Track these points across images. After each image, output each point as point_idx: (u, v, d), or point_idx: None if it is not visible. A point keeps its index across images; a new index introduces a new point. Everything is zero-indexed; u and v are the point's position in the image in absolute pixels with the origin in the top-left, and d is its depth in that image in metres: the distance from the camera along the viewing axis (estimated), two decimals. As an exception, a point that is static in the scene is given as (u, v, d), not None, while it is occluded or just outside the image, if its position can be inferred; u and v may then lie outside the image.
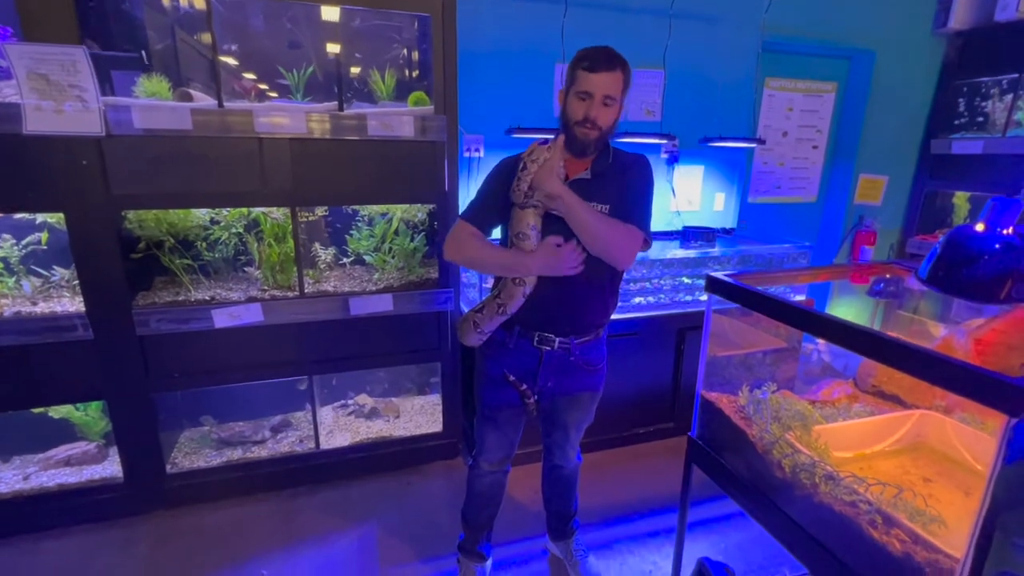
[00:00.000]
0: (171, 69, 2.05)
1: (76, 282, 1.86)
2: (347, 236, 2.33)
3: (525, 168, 1.36)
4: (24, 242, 1.91)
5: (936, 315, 1.81)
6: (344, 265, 2.39)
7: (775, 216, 3.55)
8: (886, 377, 1.53)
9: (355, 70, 2.28)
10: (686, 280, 2.73)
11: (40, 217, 1.90)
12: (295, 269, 2.09)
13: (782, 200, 3.54)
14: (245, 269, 2.22)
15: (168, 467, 2.15)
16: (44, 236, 1.91)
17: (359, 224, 2.32)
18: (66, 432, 2.18)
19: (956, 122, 3.33)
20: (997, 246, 1.01)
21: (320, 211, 2.27)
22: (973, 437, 1.28)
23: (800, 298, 2.79)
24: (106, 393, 1.97)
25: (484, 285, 2.32)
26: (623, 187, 1.43)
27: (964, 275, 1.03)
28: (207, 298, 2.01)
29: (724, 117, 3.05)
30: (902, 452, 1.35)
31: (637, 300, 2.59)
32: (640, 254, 1.48)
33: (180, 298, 2.00)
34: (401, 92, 2.20)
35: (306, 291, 2.10)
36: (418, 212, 2.34)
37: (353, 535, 2.06)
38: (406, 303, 2.20)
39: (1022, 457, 0.78)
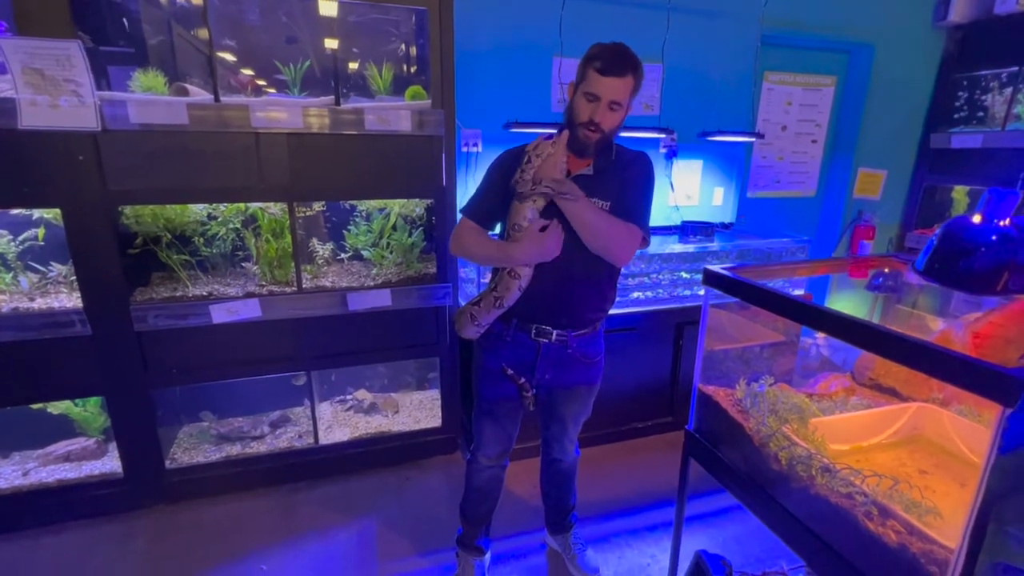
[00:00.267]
0: (167, 64, 2.05)
1: (73, 278, 1.86)
2: (345, 231, 2.32)
3: (530, 161, 1.36)
4: (21, 238, 1.91)
5: (935, 309, 1.81)
6: (342, 260, 2.39)
7: (774, 211, 3.55)
8: (883, 370, 1.54)
9: (353, 65, 2.27)
10: (684, 275, 2.73)
11: (37, 213, 1.90)
12: (293, 264, 2.09)
13: (781, 194, 3.54)
14: (243, 265, 2.22)
15: (167, 462, 2.16)
16: (41, 232, 1.91)
17: (357, 219, 2.32)
18: (65, 428, 2.18)
19: (956, 116, 3.32)
20: (994, 237, 1.00)
21: (318, 206, 2.27)
22: (970, 429, 1.28)
23: (799, 292, 2.79)
24: (104, 389, 1.97)
25: (482, 280, 2.32)
26: (624, 184, 1.43)
27: (960, 267, 1.03)
28: (205, 294, 2.01)
29: (723, 111, 3.04)
30: (899, 445, 1.35)
31: (635, 295, 2.59)
32: (638, 250, 1.49)
33: (178, 294, 2.00)
34: (398, 87, 2.20)
35: (304, 286, 2.10)
36: (416, 207, 2.34)
37: (352, 529, 2.06)
38: (404, 298, 2.20)
39: (1017, 447, 0.79)
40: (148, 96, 1.81)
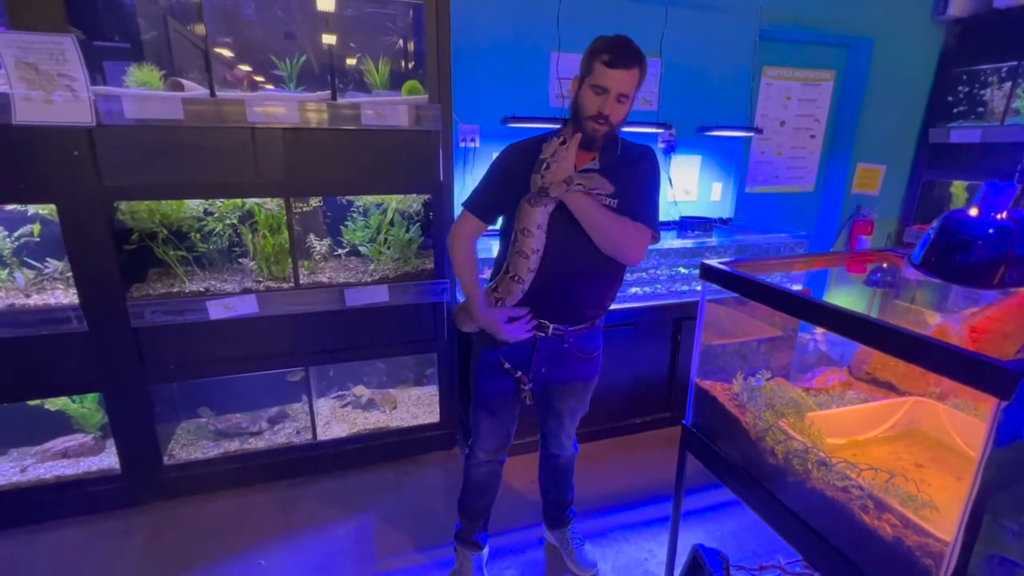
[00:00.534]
0: (163, 59, 2.03)
1: (69, 274, 1.85)
2: (342, 227, 2.32)
3: (548, 167, 1.34)
4: (16, 234, 1.90)
5: (932, 304, 1.81)
6: (339, 256, 2.39)
7: (772, 206, 3.54)
8: (880, 364, 1.54)
9: (351, 61, 2.26)
10: (683, 270, 2.73)
11: (32, 209, 1.89)
12: (290, 260, 2.09)
13: (779, 190, 3.53)
14: (240, 260, 2.22)
15: (165, 458, 2.16)
16: (36, 228, 1.91)
17: (354, 215, 2.31)
18: (63, 424, 2.18)
19: (955, 110, 3.31)
20: (991, 231, 1.00)
21: (315, 202, 2.26)
22: (966, 423, 1.28)
23: (797, 288, 2.79)
24: (102, 385, 1.97)
25: (481, 276, 2.32)
26: (631, 181, 1.42)
27: (957, 260, 1.03)
28: (202, 290, 2.01)
29: (721, 106, 3.03)
30: (895, 438, 1.36)
31: (634, 290, 2.59)
32: (649, 246, 1.49)
33: (175, 290, 2.00)
34: (395, 82, 2.19)
35: (301, 282, 2.10)
36: (413, 203, 2.33)
37: (350, 525, 2.07)
38: (402, 294, 2.19)
39: (1012, 440, 0.79)
40: (143, 91, 1.80)
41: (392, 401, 2.61)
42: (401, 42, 2.34)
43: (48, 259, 1.98)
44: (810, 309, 1.13)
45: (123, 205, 1.91)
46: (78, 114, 1.65)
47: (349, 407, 2.57)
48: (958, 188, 3.43)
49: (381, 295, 2.16)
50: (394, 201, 2.29)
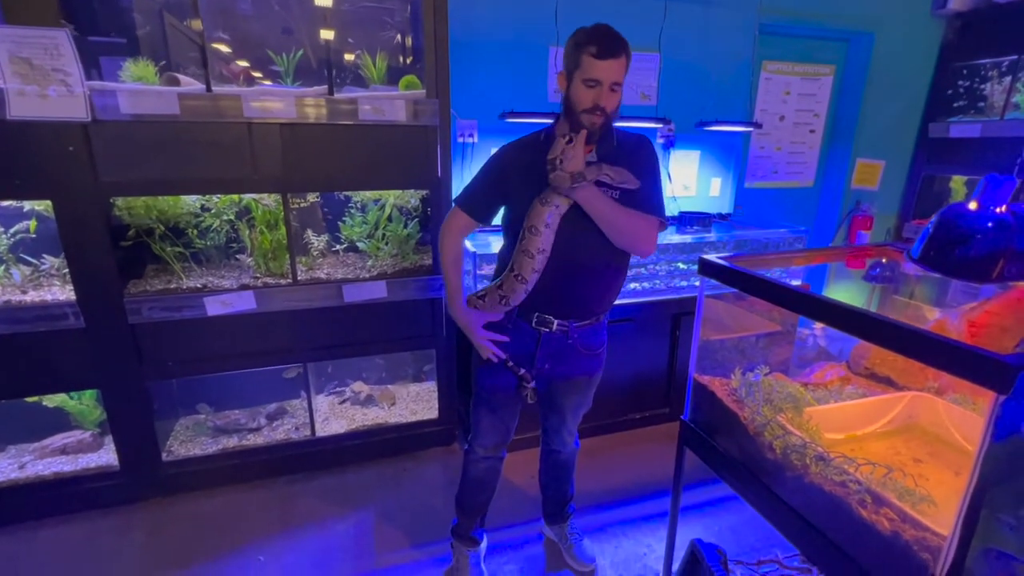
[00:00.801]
0: (158, 54, 2.02)
1: (66, 270, 1.84)
2: (340, 223, 2.31)
3: (562, 166, 1.33)
4: (12, 230, 1.90)
5: (931, 299, 1.81)
6: (337, 252, 2.38)
7: (772, 201, 3.53)
8: (879, 359, 1.53)
9: (349, 57, 2.25)
10: (682, 266, 2.73)
11: (27, 205, 1.88)
12: (287, 256, 2.08)
13: (779, 185, 3.53)
14: (237, 257, 2.21)
15: (164, 455, 2.16)
16: (32, 224, 1.90)
17: (352, 211, 2.30)
18: (61, 421, 2.18)
19: (955, 105, 3.30)
20: (990, 224, 1.00)
21: (312, 197, 2.25)
22: (964, 417, 1.28)
23: (796, 283, 2.79)
24: (100, 382, 1.97)
25: (478, 272, 2.31)
26: (632, 171, 1.41)
27: (956, 254, 1.02)
28: (199, 286, 2.00)
29: (720, 101, 3.02)
30: (894, 433, 1.35)
31: (633, 286, 2.59)
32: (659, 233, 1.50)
33: (172, 286, 1.99)
34: (393, 77, 2.18)
35: (299, 278, 2.09)
36: (411, 198, 2.32)
37: (349, 521, 2.07)
38: (400, 290, 2.19)
39: (1010, 434, 0.78)
40: (138, 86, 1.79)
41: (391, 397, 2.61)
42: (399, 37, 2.33)
43: (45, 255, 1.97)
44: (809, 304, 1.12)
45: (119, 201, 1.90)
46: (73, 109, 1.64)
47: (348, 403, 2.57)
48: (958, 183, 3.43)
49: (379, 291, 2.15)
50: (392, 197, 2.28)
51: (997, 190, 1.01)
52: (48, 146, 1.68)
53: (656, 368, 2.65)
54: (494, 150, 1.53)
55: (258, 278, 2.09)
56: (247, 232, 2.13)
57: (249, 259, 2.17)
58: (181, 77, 1.87)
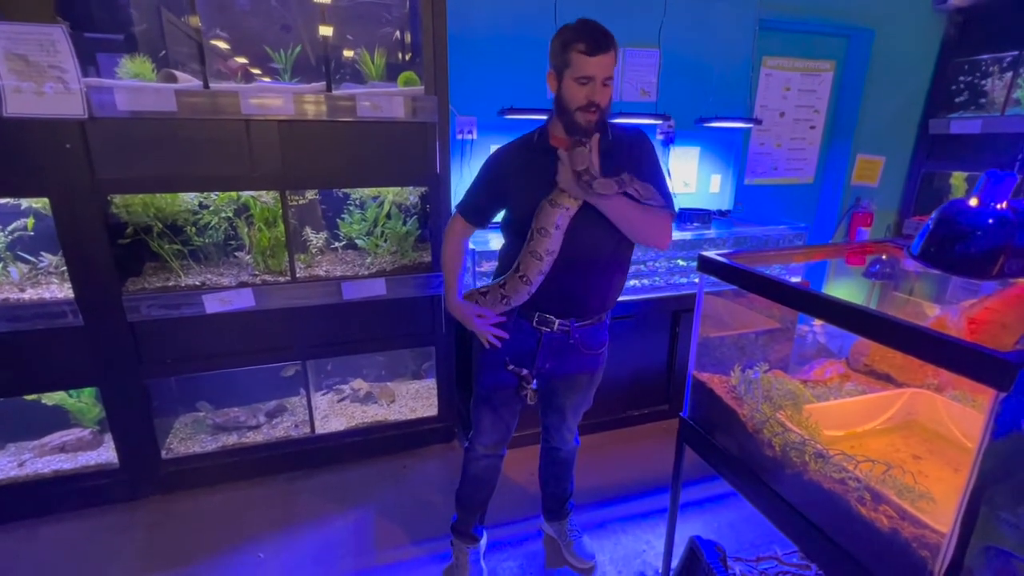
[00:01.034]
0: (156, 50, 2.01)
1: (64, 268, 1.84)
2: (338, 220, 2.30)
3: (589, 177, 1.31)
4: (10, 228, 1.89)
5: (931, 295, 1.81)
6: (336, 249, 2.37)
7: (771, 198, 3.53)
8: (878, 356, 1.53)
9: (348, 54, 2.23)
10: (681, 262, 2.72)
11: (25, 202, 1.87)
12: (286, 254, 2.08)
13: (779, 181, 3.52)
14: (236, 254, 2.20)
15: (163, 452, 2.16)
16: (30, 222, 1.89)
17: (350, 208, 2.30)
18: (60, 419, 2.18)
19: (956, 100, 3.29)
20: (990, 221, 0.99)
21: (310, 194, 2.25)
22: (964, 414, 1.28)
23: (796, 280, 2.78)
24: (98, 380, 1.97)
25: (477, 269, 2.31)
26: (635, 167, 1.41)
27: (956, 251, 1.02)
28: (198, 283, 2.00)
29: (720, 97, 3.01)
30: (893, 430, 1.35)
31: (632, 283, 2.58)
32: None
33: (170, 284, 1.99)
34: (391, 73, 2.17)
35: (298, 276, 2.09)
36: (410, 195, 2.32)
37: (349, 518, 2.07)
38: (399, 287, 2.18)
39: (1010, 431, 0.78)
40: (135, 83, 1.78)
41: (390, 394, 2.60)
42: (397, 33, 2.31)
43: (43, 253, 1.97)
44: (808, 301, 1.12)
45: (117, 199, 1.90)
46: (69, 106, 1.63)
47: (347, 400, 2.57)
48: (958, 179, 3.42)
49: (378, 288, 2.15)
50: (391, 194, 2.28)
51: (998, 186, 1.00)
52: (45, 143, 1.67)
53: (655, 365, 2.65)
54: (494, 147, 1.52)
55: (257, 276, 2.09)
56: (245, 230, 2.12)
57: (248, 257, 2.17)
58: (178, 74, 1.86)
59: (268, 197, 2.07)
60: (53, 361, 1.89)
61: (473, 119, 2.57)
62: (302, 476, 2.30)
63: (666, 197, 1.44)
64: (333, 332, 2.19)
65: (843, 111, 3.46)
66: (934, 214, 1.09)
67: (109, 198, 1.87)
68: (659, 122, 2.80)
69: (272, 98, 1.84)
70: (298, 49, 2.06)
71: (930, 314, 1.70)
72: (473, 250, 2.27)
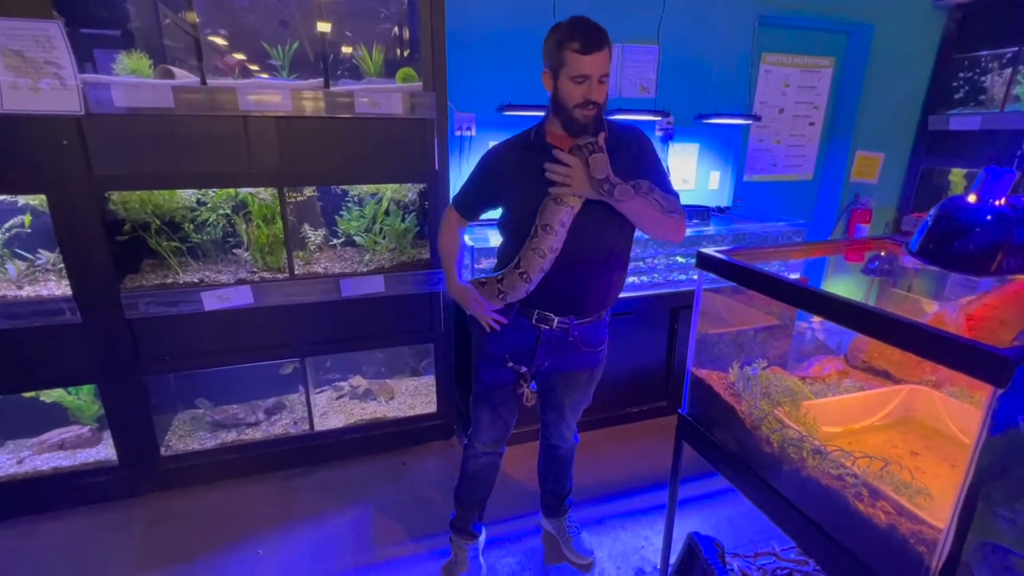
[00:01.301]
0: (153, 46, 2.00)
1: (62, 265, 1.83)
2: (337, 217, 2.30)
3: (610, 185, 1.33)
4: (7, 225, 1.88)
5: (930, 292, 1.81)
6: (334, 246, 2.37)
7: (770, 194, 3.52)
8: (876, 353, 1.53)
9: (347, 50, 2.22)
10: (680, 259, 2.72)
11: (22, 199, 1.87)
12: (284, 250, 2.07)
13: (778, 178, 3.51)
14: (234, 251, 2.20)
15: (162, 449, 2.16)
16: (27, 219, 1.89)
17: (349, 205, 2.29)
18: (59, 416, 2.18)
19: (956, 96, 3.29)
20: (989, 217, 0.99)
21: (309, 191, 2.24)
22: (961, 410, 1.28)
23: (795, 276, 2.78)
24: (97, 377, 1.96)
25: (476, 266, 2.31)
26: (636, 166, 1.41)
27: (955, 247, 1.02)
28: (196, 281, 1.99)
29: (719, 94, 3.00)
30: (890, 426, 1.36)
31: (631, 279, 2.58)
32: (636, 233, 1.53)
33: (168, 281, 1.98)
34: (390, 69, 2.16)
35: (296, 273, 2.08)
36: (409, 192, 2.31)
37: (348, 515, 2.07)
38: (398, 284, 2.18)
39: (1007, 428, 0.78)
40: (132, 79, 1.77)
41: (389, 391, 2.61)
42: (396, 29, 2.31)
43: (40, 250, 1.96)
44: (807, 298, 1.12)
45: (115, 195, 1.89)
46: (66, 102, 1.63)
47: (346, 397, 2.57)
48: (957, 176, 3.41)
49: (377, 285, 2.15)
50: (389, 190, 2.27)
51: (997, 183, 1.00)
52: (41, 140, 1.67)
53: (654, 362, 2.65)
54: (492, 143, 1.52)
55: (255, 272, 2.09)
56: (243, 226, 2.12)
57: (246, 253, 2.16)
58: (175, 70, 1.85)
59: (266, 194, 2.07)
60: (51, 358, 1.88)
61: (472, 115, 2.56)
62: (301, 473, 2.30)
63: (672, 194, 1.44)
64: (332, 329, 2.19)
65: (842, 107, 3.45)
66: (933, 210, 1.08)
67: (107, 195, 1.86)
68: (658, 118, 2.79)
69: (270, 94, 1.83)
70: (296, 45, 2.05)
71: (928, 311, 1.70)
72: (472, 247, 2.27)
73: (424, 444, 2.50)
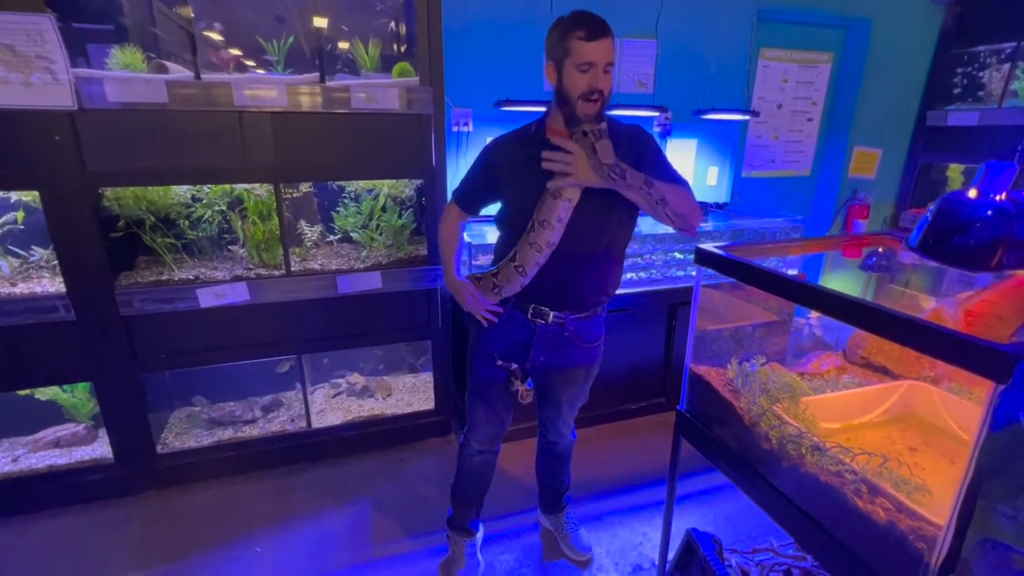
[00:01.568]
0: (147, 41, 1.98)
1: (55, 262, 1.82)
2: (333, 213, 2.28)
3: (620, 170, 1.31)
4: (0, 221, 1.87)
5: (928, 288, 1.80)
6: (331, 243, 2.36)
7: (768, 190, 3.52)
8: (875, 348, 1.53)
9: (343, 45, 2.20)
10: (678, 255, 2.71)
11: (14, 195, 1.85)
12: (281, 247, 2.06)
13: (776, 174, 3.51)
14: (230, 248, 2.19)
15: (159, 447, 2.15)
16: (20, 215, 1.87)
17: (345, 201, 2.28)
18: (54, 414, 2.17)
19: (954, 92, 3.28)
20: (989, 212, 0.98)
21: (305, 187, 2.23)
22: (960, 407, 1.28)
23: (793, 272, 2.78)
24: (92, 374, 1.95)
25: (474, 263, 2.30)
26: (641, 164, 1.40)
27: (955, 243, 1.01)
28: (191, 277, 1.98)
29: (718, 89, 2.99)
30: (889, 422, 1.35)
31: (629, 276, 2.58)
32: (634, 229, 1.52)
33: (164, 278, 1.97)
34: (386, 65, 2.14)
35: (292, 269, 2.07)
36: (405, 188, 2.30)
37: (345, 512, 2.07)
38: (395, 281, 2.17)
39: (1007, 424, 0.78)
40: (125, 74, 1.76)
41: (387, 388, 2.60)
42: (392, 24, 2.29)
43: (33, 247, 1.95)
44: (805, 293, 1.12)
45: (109, 191, 1.88)
46: (58, 97, 1.61)
47: (343, 395, 2.56)
48: (955, 172, 3.42)
49: (374, 282, 2.14)
50: (386, 186, 2.26)
51: (997, 177, 0.99)
52: (34, 135, 1.65)
53: (652, 358, 2.64)
54: (489, 139, 1.51)
55: (251, 269, 2.07)
56: (239, 223, 2.10)
57: (242, 250, 2.15)
58: (169, 65, 1.83)
59: (262, 190, 2.05)
60: (45, 356, 1.87)
61: (469, 111, 2.55)
62: (298, 470, 2.29)
63: (681, 182, 1.43)
64: (329, 326, 2.18)
65: (840, 103, 3.44)
66: (933, 206, 1.08)
67: (100, 191, 1.84)
68: (656, 114, 2.78)
69: (265, 89, 1.81)
70: (291, 40, 2.03)
71: (926, 306, 1.69)
72: (469, 244, 2.26)
73: (422, 441, 2.50)
